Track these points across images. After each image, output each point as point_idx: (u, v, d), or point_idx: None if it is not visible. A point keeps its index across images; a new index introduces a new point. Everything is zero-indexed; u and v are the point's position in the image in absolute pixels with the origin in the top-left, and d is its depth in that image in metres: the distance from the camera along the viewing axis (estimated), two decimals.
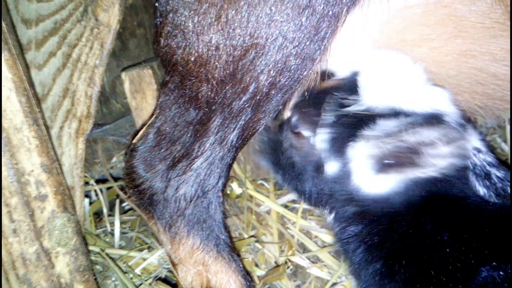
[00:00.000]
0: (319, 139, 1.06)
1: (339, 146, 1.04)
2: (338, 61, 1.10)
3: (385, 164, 0.97)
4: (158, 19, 1.03)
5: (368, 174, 1.00)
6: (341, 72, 1.10)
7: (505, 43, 1.04)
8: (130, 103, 1.40)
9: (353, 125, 1.01)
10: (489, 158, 1.06)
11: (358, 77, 1.07)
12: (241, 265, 1.12)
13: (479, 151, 1.06)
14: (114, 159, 1.67)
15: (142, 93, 1.37)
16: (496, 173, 1.04)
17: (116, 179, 1.60)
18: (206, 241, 1.09)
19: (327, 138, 1.05)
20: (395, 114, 1.00)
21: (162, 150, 1.09)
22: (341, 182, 1.06)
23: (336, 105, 1.04)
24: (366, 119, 1.00)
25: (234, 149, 1.06)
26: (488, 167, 1.04)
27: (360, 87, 1.05)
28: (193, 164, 1.06)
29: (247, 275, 1.14)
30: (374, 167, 0.98)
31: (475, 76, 1.12)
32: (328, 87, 1.07)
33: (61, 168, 1.20)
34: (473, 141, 1.07)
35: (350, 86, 1.05)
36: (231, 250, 1.12)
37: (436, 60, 1.10)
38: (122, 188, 1.53)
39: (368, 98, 1.04)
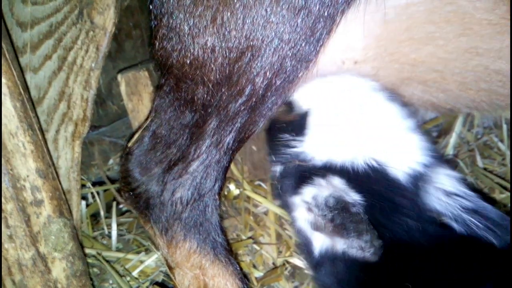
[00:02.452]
0: (276, 169, 1.08)
1: (286, 185, 1.04)
2: (303, 92, 1.05)
3: (315, 227, 0.95)
4: (153, 22, 1.02)
5: (307, 226, 0.99)
6: (302, 104, 1.05)
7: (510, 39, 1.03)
8: (126, 105, 1.40)
9: (295, 173, 1.00)
10: (465, 201, 0.98)
11: (308, 116, 1.03)
12: (238, 268, 1.12)
13: (451, 195, 0.99)
14: (111, 161, 1.67)
15: (138, 95, 1.36)
16: (473, 221, 0.95)
17: (113, 181, 1.59)
18: (203, 245, 1.09)
19: (280, 172, 1.06)
20: (332, 170, 0.95)
21: (158, 154, 1.09)
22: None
23: (285, 144, 1.03)
24: (305, 171, 0.98)
25: (231, 151, 1.05)
26: (464, 214, 0.97)
27: (308, 129, 1.01)
28: (189, 167, 1.05)
29: (244, 278, 1.13)
30: (310, 223, 0.97)
31: (480, 73, 1.11)
32: (287, 120, 1.06)
33: (58, 172, 1.20)
34: (444, 184, 1.00)
35: (301, 125, 1.03)
36: (228, 253, 1.12)
37: (441, 57, 1.09)
38: (119, 190, 1.53)
39: (310, 144, 1.00)
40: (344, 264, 0.93)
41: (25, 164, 0.94)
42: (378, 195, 0.93)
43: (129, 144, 1.14)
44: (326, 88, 1.04)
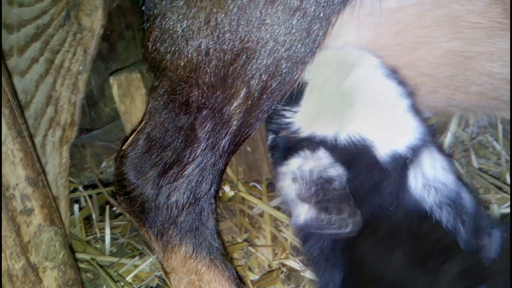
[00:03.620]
0: (268, 137, 1.10)
1: (277, 154, 1.05)
2: None
3: (300, 198, 0.97)
4: (145, 24, 1.00)
5: (292, 196, 1.00)
6: None
7: (502, 43, 1.02)
8: (118, 108, 1.38)
9: (285, 143, 1.02)
10: (446, 189, 0.98)
11: (304, 87, 1.02)
12: (234, 273, 1.11)
13: (434, 181, 0.99)
14: (104, 164, 1.65)
15: (130, 98, 1.34)
16: (449, 210, 0.96)
17: (105, 184, 1.57)
18: (199, 249, 1.07)
19: (272, 141, 1.08)
20: (318, 144, 0.97)
21: (153, 157, 1.07)
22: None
23: (277, 113, 1.04)
24: (295, 143, 1.00)
25: (226, 154, 1.04)
26: (441, 203, 0.97)
27: (302, 99, 1.02)
28: (184, 170, 1.04)
29: (240, 283, 1.12)
30: (295, 194, 0.99)
31: (470, 77, 1.10)
32: None
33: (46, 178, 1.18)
34: (426, 167, 1.00)
35: (295, 95, 1.02)
36: (224, 258, 1.10)
37: (432, 62, 1.09)
38: (112, 193, 1.51)
39: (302, 116, 1.01)
40: (327, 236, 0.97)
41: (14, 172, 0.92)
42: (361, 171, 0.95)
43: (124, 147, 1.12)
44: (325, 59, 1.02)
